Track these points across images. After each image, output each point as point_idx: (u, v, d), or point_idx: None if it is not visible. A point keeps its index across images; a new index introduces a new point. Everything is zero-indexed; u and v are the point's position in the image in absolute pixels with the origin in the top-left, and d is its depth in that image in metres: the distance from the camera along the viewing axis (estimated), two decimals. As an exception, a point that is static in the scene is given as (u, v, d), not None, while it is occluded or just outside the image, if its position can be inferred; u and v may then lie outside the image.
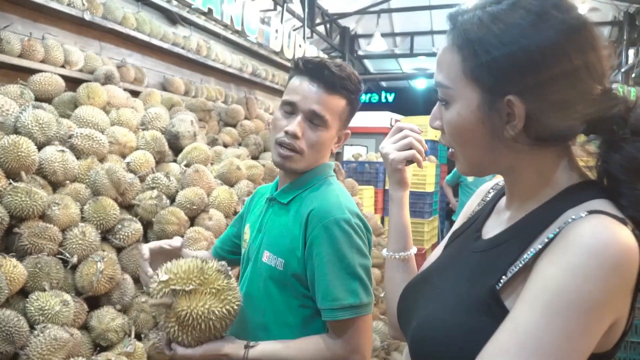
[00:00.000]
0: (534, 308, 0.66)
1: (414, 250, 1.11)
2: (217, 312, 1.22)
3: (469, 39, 0.76)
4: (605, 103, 0.74)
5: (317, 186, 1.42)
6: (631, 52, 9.18)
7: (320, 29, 9.98)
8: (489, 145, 0.80)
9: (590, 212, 0.70)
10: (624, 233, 0.67)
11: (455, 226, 1.06)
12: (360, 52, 12.40)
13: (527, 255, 0.74)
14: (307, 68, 1.37)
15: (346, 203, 1.37)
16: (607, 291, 0.65)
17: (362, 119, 9.11)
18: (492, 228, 0.90)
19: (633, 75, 6.83)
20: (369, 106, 15.14)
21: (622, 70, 8.89)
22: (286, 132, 1.35)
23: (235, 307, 1.25)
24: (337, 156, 8.50)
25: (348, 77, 1.38)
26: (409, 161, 1.08)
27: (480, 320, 0.73)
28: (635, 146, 0.73)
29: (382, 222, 7.35)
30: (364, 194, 6.07)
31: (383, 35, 10.58)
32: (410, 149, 1.06)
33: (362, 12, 10.46)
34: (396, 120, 10.88)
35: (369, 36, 11.19)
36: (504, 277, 0.75)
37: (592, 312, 0.64)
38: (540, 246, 0.73)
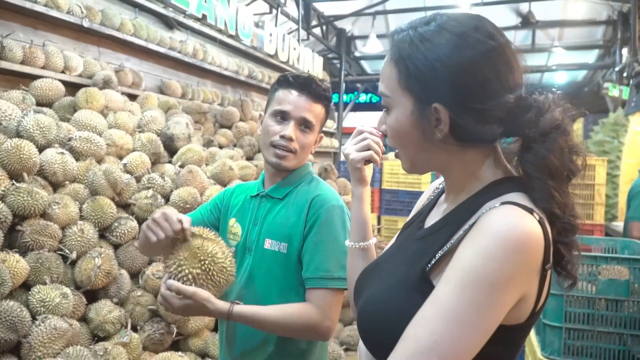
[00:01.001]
0: (450, 283, 0.77)
1: (373, 240, 1.23)
2: (228, 263, 1.40)
3: (402, 55, 0.89)
4: (519, 110, 0.86)
5: (308, 181, 1.65)
6: (624, 50, 9.28)
7: (317, 31, 10.12)
8: (423, 146, 0.91)
9: (503, 203, 0.82)
10: (528, 220, 0.77)
11: (408, 219, 1.19)
12: (356, 54, 12.53)
13: (452, 240, 0.86)
14: (298, 82, 1.60)
15: (337, 194, 1.63)
16: (510, 269, 0.75)
17: (358, 120, 9.23)
18: (432, 219, 1.02)
19: (625, 74, 6.93)
20: (366, 106, 15.27)
21: (616, 69, 8.99)
22: (282, 136, 1.57)
23: (232, 273, 1.43)
24: (334, 157, 8.63)
25: (327, 90, 1.65)
26: (368, 160, 1.20)
27: (412, 297, 0.85)
28: (544, 146, 0.84)
29: (379, 221, 7.47)
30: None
31: (379, 36, 10.70)
32: (369, 150, 1.19)
33: (358, 14, 10.58)
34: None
35: (364, 37, 11.32)
36: (433, 259, 0.87)
37: (498, 286, 0.75)
38: (462, 232, 0.85)
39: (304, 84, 1.59)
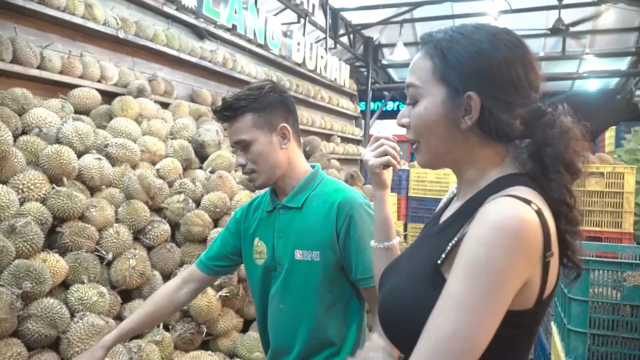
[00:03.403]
0: (459, 276, 0.83)
1: (396, 240, 1.29)
2: None
3: (441, 48, 0.97)
4: (538, 113, 0.95)
5: (323, 183, 1.64)
6: (657, 58, 9.10)
7: (344, 39, 10.21)
8: (447, 136, 0.98)
9: (503, 196, 0.89)
10: (525, 210, 0.84)
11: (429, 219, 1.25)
12: (383, 62, 12.56)
13: (460, 234, 0.93)
14: (217, 114, 1.60)
15: (357, 191, 1.64)
16: (511, 256, 0.81)
17: (385, 127, 9.26)
18: (445, 215, 1.09)
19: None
20: (393, 114, 15.24)
21: (647, 76, 8.82)
22: (237, 167, 1.57)
23: None
24: (360, 163, 8.68)
25: (238, 98, 1.57)
26: (386, 165, 1.27)
27: (426, 290, 0.92)
28: (562, 143, 0.93)
29: (405, 228, 7.46)
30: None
31: (406, 44, 10.72)
32: (386, 155, 1.25)
33: (385, 22, 10.63)
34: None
35: (392, 46, 11.35)
36: (443, 254, 0.93)
37: (501, 272, 0.81)
38: (466, 226, 0.92)
39: (219, 114, 1.58)
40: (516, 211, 0.83)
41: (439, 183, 7.74)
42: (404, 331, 0.91)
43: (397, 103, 16.31)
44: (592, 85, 13.91)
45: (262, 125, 1.56)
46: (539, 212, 0.85)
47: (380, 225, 1.29)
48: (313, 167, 1.69)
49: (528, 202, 0.86)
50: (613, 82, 14.01)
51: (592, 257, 2.81)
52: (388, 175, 1.29)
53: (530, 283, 0.86)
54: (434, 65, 0.97)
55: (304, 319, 1.59)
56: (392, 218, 1.30)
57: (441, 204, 1.23)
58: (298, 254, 1.58)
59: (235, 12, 5.02)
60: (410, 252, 1.12)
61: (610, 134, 8.61)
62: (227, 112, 1.56)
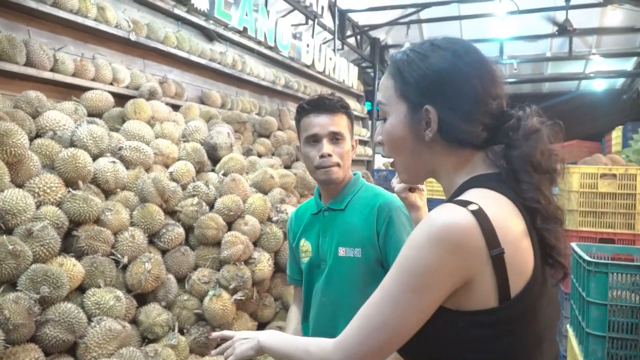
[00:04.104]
0: (391, 271, 0.91)
1: None
2: None
3: (399, 67, 1.02)
4: (502, 118, 0.97)
5: (364, 188, 1.79)
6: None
7: (351, 40, 10.19)
8: (414, 148, 1.02)
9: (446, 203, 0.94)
10: (456, 212, 0.87)
11: None
12: (390, 62, 12.54)
13: None
14: (312, 105, 1.74)
15: (395, 196, 1.76)
16: (437, 257, 0.85)
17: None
18: None
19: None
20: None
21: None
22: (321, 156, 1.71)
23: None
24: (368, 165, 8.66)
25: (339, 100, 1.78)
26: (411, 189, 1.35)
27: None
28: (527, 144, 0.94)
29: (412, 229, 7.45)
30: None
31: (413, 45, 10.70)
32: None
33: (393, 23, 10.62)
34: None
35: (399, 46, 11.32)
36: None
37: (426, 273, 0.86)
38: None
39: (318, 104, 1.74)
40: (445, 215, 0.87)
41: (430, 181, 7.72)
42: None
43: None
44: (598, 86, 13.86)
45: (350, 131, 1.80)
46: (476, 212, 0.87)
47: None
48: (355, 174, 1.85)
49: (466, 203, 0.89)
50: (619, 82, 13.96)
51: (608, 259, 2.80)
52: (417, 197, 1.36)
53: (477, 282, 0.88)
54: (395, 84, 1.02)
55: (345, 311, 1.66)
56: None
57: None
58: (341, 251, 1.72)
59: (247, 15, 5.01)
60: None
61: (617, 134, 8.57)
62: (338, 104, 1.74)
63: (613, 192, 4.37)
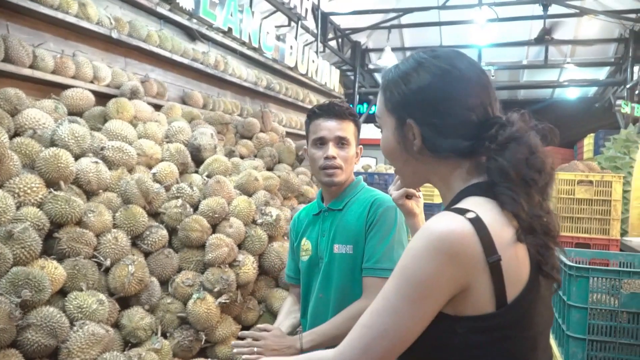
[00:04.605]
0: (391, 281, 0.93)
1: None
2: None
3: (387, 83, 1.07)
4: (482, 127, 0.98)
5: (364, 191, 1.87)
6: (636, 68, 9.32)
7: (332, 43, 10.22)
8: (406, 159, 1.06)
9: (443, 211, 0.95)
10: (453, 221, 0.88)
11: None
12: (370, 66, 12.62)
13: None
14: (323, 110, 1.85)
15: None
16: (435, 265, 0.87)
17: (372, 131, 9.29)
18: None
19: (637, 91, 6.96)
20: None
21: (627, 86, 9.03)
22: (326, 157, 1.80)
23: None
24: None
25: (348, 108, 1.89)
26: (408, 196, 1.37)
27: None
28: (502, 156, 0.94)
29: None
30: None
31: (393, 49, 10.78)
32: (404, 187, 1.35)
33: (374, 27, 10.69)
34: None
35: (379, 50, 11.39)
36: None
37: (424, 282, 0.88)
38: None
39: (328, 109, 1.85)
40: (442, 223, 0.89)
41: (425, 188, 7.79)
42: None
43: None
44: (571, 94, 14.17)
45: (356, 138, 1.89)
46: (473, 220, 0.88)
47: None
48: (357, 178, 1.94)
49: (463, 211, 0.90)
50: (592, 90, 14.30)
51: (586, 263, 2.86)
52: (414, 204, 1.38)
53: (474, 288, 0.89)
54: (385, 99, 1.07)
55: (339, 305, 1.75)
56: None
57: None
58: (336, 248, 1.80)
59: (231, 15, 4.97)
60: None
61: (588, 141, 8.77)
62: (346, 111, 1.84)
63: (589, 199, 4.48)
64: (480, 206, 0.92)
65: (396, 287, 0.91)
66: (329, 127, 1.82)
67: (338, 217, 1.84)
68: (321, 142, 1.83)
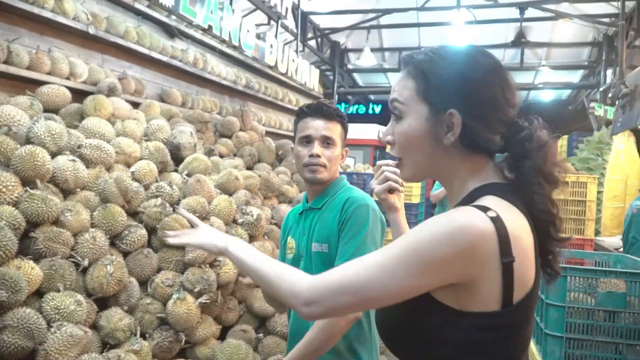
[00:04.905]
0: (396, 244, 0.93)
1: None
2: None
3: (423, 69, 1.03)
4: (516, 127, 0.99)
5: (343, 190, 1.88)
6: (609, 72, 9.52)
7: (312, 43, 10.21)
8: (431, 151, 1.03)
9: (464, 205, 0.95)
10: (475, 216, 0.89)
11: None
12: (349, 66, 12.64)
13: None
14: (311, 109, 1.88)
15: (369, 197, 1.84)
16: (447, 251, 0.87)
17: (350, 131, 9.30)
18: None
19: (610, 94, 7.12)
20: (357, 117, 15.38)
21: (600, 89, 9.22)
22: (311, 155, 1.83)
23: None
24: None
25: (336, 109, 1.92)
26: (391, 190, 1.33)
27: None
28: (540, 155, 0.97)
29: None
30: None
31: (372, 50, 10.83)
32: (387, 180, 1.31)
33: (353, 27, 10.71)
34: (380, 132, 11.15)
35: (358, 51, 11.43)
36: None
37: (432, 261, 0.88)
38: None
39: (316, 109, 1.88)
40: (466, 216, 0.90)
41: (403, 187, 7.84)
42: (390, 328, 1.02)
43: (359, 106, 16.44)
44: (546, 96, 14.43)
45: (342, 139, 1.92)
46: (495, 219, 0.89)
47: None
48: (340, 177, 1.95)
49: (485, 209, 0.90)
50: (565, 93, 14.58)
51: (562, 263, 2.91)
52: (396, 198, 1.36)
53: (482, 285, 0.89)
54: (417, 86, 1.03)
55: None
56: None
57: None
58: (314, 247, 1.83)
59: (212, 12, 4.93)
60: None
61: (562, 143, 8.94)
62: (334, 112, 1.87)
63: (565, 199, 4.56)
64: (500, 206, 0.92)
65: (398, 252, 0.91)
66: (315, 126, 1.85)
67: (317, 215, 1.87)
68: (307, 140, 1.85)
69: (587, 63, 11.67)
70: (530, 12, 9.29)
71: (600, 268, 2.68)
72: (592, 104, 8.26)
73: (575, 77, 13.15)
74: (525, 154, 0.97)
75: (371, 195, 1.76)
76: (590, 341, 2.33)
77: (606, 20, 9.22)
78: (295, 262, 1.92)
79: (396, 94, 1.07)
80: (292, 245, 1.95)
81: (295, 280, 1.02)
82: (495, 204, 0.93)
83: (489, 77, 0.99)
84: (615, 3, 7.95)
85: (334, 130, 1.87)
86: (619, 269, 2.69)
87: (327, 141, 1.86)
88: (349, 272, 0.95)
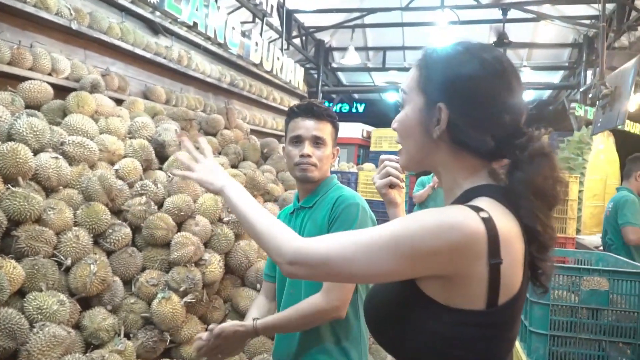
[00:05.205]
0: (387, 228, 0.93)
1: None
2: None
3: (426, 60, 1.05)
4: (513, 133, 0.98)
5: (334, 189, 1.89)
6: (589, 72, 9.67)
7: (296, 41, 10.20)
8: (422, 141, 1.04)
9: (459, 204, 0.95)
10: (467, 214, 0.90)
11: None
12: (334, 65, 12.65)
13: None
14: (301, 109, 1.88)
15: (360, 196, 1.86)
16: (435, 244, 0.88)
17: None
18: None
19: (590, 95, 7.23)
20: (340, 116, 15.30)
21: (581, 90, 9.36)
22: (301, 155, 1.83)
23: None
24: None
25: (327, 109, 1.92)
26: (391, 185, 1.34)
27: (396, 286, 1.00)
28: (531, 167, 0.95)
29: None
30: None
31: (357, 49, 10.85)
32: (389, 175, 1.33)
33: (338, 26, 10.72)
34: (367, 132, 11.17)
35: (343, 49, 11.45)
36: None
37: (419, 250, 0.89)
38: None
39: (307, 109, 1.88)
40: (459, 214, 0.91)
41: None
42: (377, 319, 1.05)
43: (343, 105, 16.45)
44: (527, 97, 14.58)
45: (333, 139, 1.93)
46: (486, 220, 0.89)
47: None
48: (331, 176, 1.96)
49: (478, 210, 0.91)
50: (546, 94, 14.77)
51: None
52: (397, 193, 1.36)
53: (469, 282, 0.90)
54: (419, 76, 1.04)
55: None
56: None
57: None
58: None
59: (197, 9, 4.88)
60: None
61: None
62: (324, 112, 1.87)
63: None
64: (494, 209, 0.92)
65: (389, 236, 0.92)
66: (306, 126, 1.86)
67: (308, 214, 1.88)
68: (298, 140, 1.86)
69: (568, 64, 11.84)
70: (513, 13, 9.39)
71: (583, 266, 2.73)
72: (573, 105, 8.37)
73: (556, 77, 13.34)
74: (517, 163, 0.96)
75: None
76: (573, 338, 2.37)
77: (587, 21, 9.36)
78: None
79: (405, 83, 1.09)
80: None
81: (285, 238, 1.04)
82: (488, 205, 0.93)
83: (485, 76, 0.98)
84: (595, 5, 8.06)
85: (324, 130, 1.88)
86: (601, 267, 2.74)
87: (317, 141, 1.86)
88: (336, 244, 0.96)
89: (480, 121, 0.97)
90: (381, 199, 1.41)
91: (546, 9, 9.46)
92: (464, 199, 0.98)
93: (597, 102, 6.69)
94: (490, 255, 0.89)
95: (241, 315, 2.94)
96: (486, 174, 1.01)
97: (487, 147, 0.97)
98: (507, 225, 0.92)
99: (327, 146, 1.88)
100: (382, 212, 1.43)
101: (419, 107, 1.03)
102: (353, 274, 0.96)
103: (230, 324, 1.75)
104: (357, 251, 0.93)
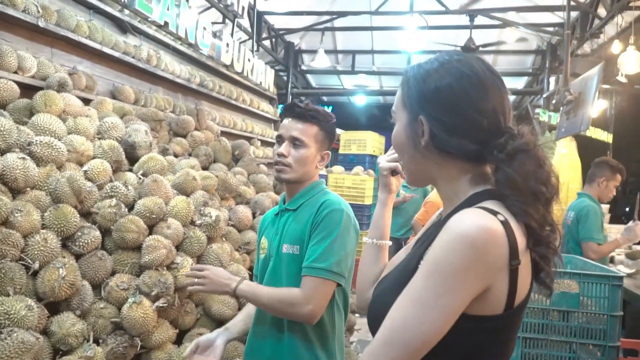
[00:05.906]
0: (419, 274, 0.93)
1: (388, 242, 1.39)
2: None
3: (407, 78, 1.10)
4: (492, 134, 1.00)
5: (321, 194, 1.91)
6: (552, 79, 9.95)
7: (266, 43, 10.16)
8: (414, 155, 1.08)
9: (471, 207, 0.95)
10: (488, 219, 0.90)
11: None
12: (303, 67, 12.66)
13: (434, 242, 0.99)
14: (286, 109, 1.92)
15: (345, 202, 1.88)
16: (467, 261, 0.87)
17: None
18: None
19: (554, 101, 7.44)
20: (309, 119, 15.40)
21: (544, 96, 9.62)
22: (277, 154, 1.88)
23: None
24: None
25: (310, 110, 1.90)
26: (394, 172, 1.37)
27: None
28: (510, 166, 0.97)
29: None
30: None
31: (326, 52, 10.89)
32: (397, 162, 1.35)
33: (307, 29, 10.74)
34: (336, 135, 11.22)
35: (312, 52, 11.47)
36: (420, 260, 1.01)
37: (455, 276, 0.88)
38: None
39: (289, 109, 1.91)
40: (478, 220, 0.90)
41: (356, 189, 7.94)
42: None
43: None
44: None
45: (318, 141, 1.91)
46: (504, 223, 0.91)
47: (377, 225, 1.39)
48: (319, 180, 1.99)
49: (495, 212, 0.92)
50: (510, 99, 15.10)
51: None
52: (395, 181, 1.39)
53: (494, 289, 0.91)
54: (402, 94, 1.10)
55: None
56: (388, 222, 1.39)
57: (428, 224, 1.29)
58: (284, 248, 1.86)
59: (168, 9, 4.82)
60: (399, 262, 1.19)
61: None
62: (307, 113, 1.86)
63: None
64: (503, 211, 0.94)
65: (423, 279, 0.90)
66: (287, 126, 1.90)
67: (291, 217, 1.90)
68: (279, 139, 1.90)
69: (531, 70, 12.16)
70: (480, 20, 9.59)
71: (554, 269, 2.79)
72: (537, 110, 8.60)
73: (520, 83, 13.67)
74: (497, 163, 0.98)
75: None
76: (545, 340, 2.44)
77: (550, 29, 9.63)
78: (265, 263, 1.93)
79: (394, 104, 1.14)
80: (264, 245, 1.96)
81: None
82: (500, 208, 0.95)
83: (455, 84, 1.01)
84: (560, 13, 8.31)
85: (305, 131, 1.88)
86: (569, 269, 2.82)
87: (295, 142, 1.87)
88: (386, 323, 0.93)
89: (455, 127, 1.00)
90: (351, 202, 1.44)
91: (511, 15, 9.70)
92: (469, 203, 0.99)
93: (562, 108, 6.89)
94: (511, 257, 0.90)
95: (213, 320, 2.92)
96: (481, 178, 1.04)
97: (468, 150, 1.00)
98: (517, 225, 0.94)
99: (308, 148, 1.88)
100: (357, 214, 1.45)
101: (405, 123, 1.08)
102: (416, 338, 0.89)
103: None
104: (405, 312, 0.90)
